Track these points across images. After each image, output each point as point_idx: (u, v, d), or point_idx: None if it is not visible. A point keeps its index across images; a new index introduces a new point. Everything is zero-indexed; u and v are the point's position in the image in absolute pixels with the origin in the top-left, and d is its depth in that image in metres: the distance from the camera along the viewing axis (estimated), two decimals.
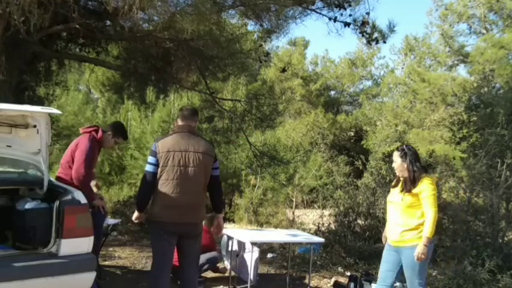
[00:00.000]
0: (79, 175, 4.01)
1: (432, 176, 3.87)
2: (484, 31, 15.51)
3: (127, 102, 12.74)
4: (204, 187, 3.80)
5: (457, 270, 5.33)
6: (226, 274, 5.54)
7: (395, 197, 3.81)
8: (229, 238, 5.56)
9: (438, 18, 16.95)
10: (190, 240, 3.82)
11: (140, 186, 3.83)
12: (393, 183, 4.00)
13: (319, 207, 8.44)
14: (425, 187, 3.65)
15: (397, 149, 3.89)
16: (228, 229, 6.13)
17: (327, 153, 18.21)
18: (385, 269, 3.86)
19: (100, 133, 4.28)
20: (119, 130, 4.52)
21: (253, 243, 4.94)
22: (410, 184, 3.71)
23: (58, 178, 4.11)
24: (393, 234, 3.78)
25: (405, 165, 3.74)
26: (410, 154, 3.76)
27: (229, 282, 5.16)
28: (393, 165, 3.85)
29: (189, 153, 3.70)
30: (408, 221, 3.68)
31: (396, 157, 3.81)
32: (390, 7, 27.83)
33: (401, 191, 3.77)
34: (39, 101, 7.03)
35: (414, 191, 3.67)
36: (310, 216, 11.61)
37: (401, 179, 3.83)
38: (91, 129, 4.29)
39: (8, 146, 3.75)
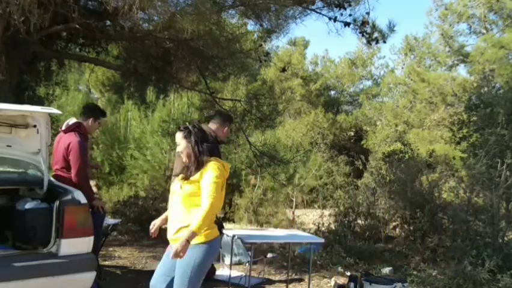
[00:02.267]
0: (81, 178, 4.03)
1: (223, 161, 3.13)
2: (484, 31, 15.52)
3: (127, 102, 12.79)
4: None
5: (457, 270, 5.33)
6: (223, 273, 5.53)
7: (176, 186, 3.08)
8: (228, 236, 5.56)
9: (438, 18, 16.98)
10: None
11: None
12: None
13: (319, 207, 8.45)
14: (208, 173, 2.94)
15: (179, 128, 3.18)
16: (228, 229, 6.12)
17: (327, 153, 18.23)
18: (158, 273, 3.12)
19: (83, 128, 4.22)
20: (97, 112, 4.48)
21: (253, 243, 4.95)
22: (192, 169, 3.00)
23: (56, 176, 4.10)
24: (170, 230, 3.04)
25: (190, 146, 3.02)
26: (196, 133, 3.05)
27: (229, 283, 5.16)
28: (177, 148, 3.12)
29: None
30: (187, 215, 2.96)
31: (180, 138, 3.08)
32: (390, 7, 27.87)
33: (182, 177, 3.06)
34: (39, 101, 7.04)
35: (195, 177, 2.96)
36: (310, 216, 11.61)
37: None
38: (72, 126, 4.17)
39: (8, 146, 3.75)
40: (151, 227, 3.15)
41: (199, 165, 2.98)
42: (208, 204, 2.85)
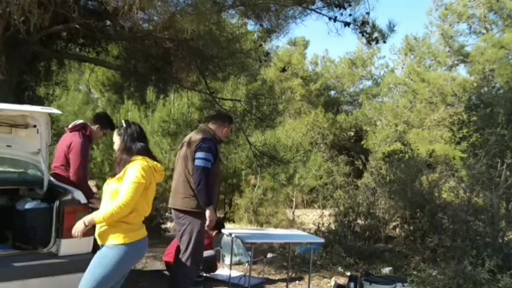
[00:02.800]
0: (79, 177, 4.03)
1: (154, 162, 3.00)
2: (484, 31, 15.52)
3: (127, 102, 12.78)
4: (185, 176, 4.09)
5: (457, 270, 5.33)
6: (223, 273, 5.54)
7: (106, 183, 3.05)
8: (228, 236, 5.56)
9: (438, 18, 17.00)
10: (177, 227, 4.20)
11: None
12: None
13: (319, 207, 8.44)
14: (129, 172, 2.87)
15: (116, 126, 3.16)
16: (228, 229, 6.12)
17: (327, 153, 18.24)
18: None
19: (88, 130, 4.26)
20: (107, 122, 4.51)
21: (253, 243, 4.95)
22: (117, 166, 2.97)
23: (55, 175, 4.10)
24: (97, 227, 2.97)
25: (119, 143, 3.03)
26: (128, 131, 3.01)
27: (228, 283, 5.16)
28: (114, 146, 3.11)
29: (183, 143, 4.26)
30: None
31: (115, 135, 3.08)
32: (390, 7, 27.89)
33: (111, 175, 3.07)
34: (39, 101, 7.04)
35: (119, 175, 2.91)
36: (310, 216, 11.61)
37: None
38: (78, 127, 4.22)
39: (8, 146, 3.75)
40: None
41: (121, 162, 2.94)
42: (119, 203, 2.79)
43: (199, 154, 4.02)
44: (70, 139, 4.12)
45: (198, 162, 4.00)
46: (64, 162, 4.12)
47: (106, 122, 4.50)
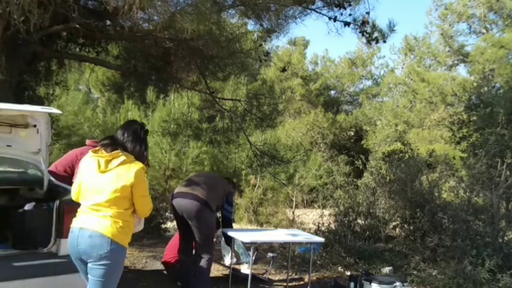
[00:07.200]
0: None
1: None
2: (484, 31, 15.53)
3: (127, 102, 12.77)
4: (221, 198, 4.90)
5: (457, 270, 5.33)
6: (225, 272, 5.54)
7: None
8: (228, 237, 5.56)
9: (438, 18, 17.01)
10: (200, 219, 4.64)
11: None
12: None
13: (319, 206, 8.43)
14: None
15: None
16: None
17: (327, 152, 18.26)
18: None
19: None
20: None
21: (253, 243, 4.95)
22: None
23: (52, 173, 4.08)
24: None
25: None
26: None
27: (229, 283, 5.16)
28: None
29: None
30: None
31: None
32: (390, 7, 27.83)
33: None
34: (39, 101, 7.03)
35: None
36: (310, 216, 11.61)
37: None
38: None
39: (8, 145, 3.75)
40: None
41: None
42: None
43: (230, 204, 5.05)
44: (85, 150, 4.08)
45: (228, 212, 5.07)
46: (68, 168, 4.13)
47: None
